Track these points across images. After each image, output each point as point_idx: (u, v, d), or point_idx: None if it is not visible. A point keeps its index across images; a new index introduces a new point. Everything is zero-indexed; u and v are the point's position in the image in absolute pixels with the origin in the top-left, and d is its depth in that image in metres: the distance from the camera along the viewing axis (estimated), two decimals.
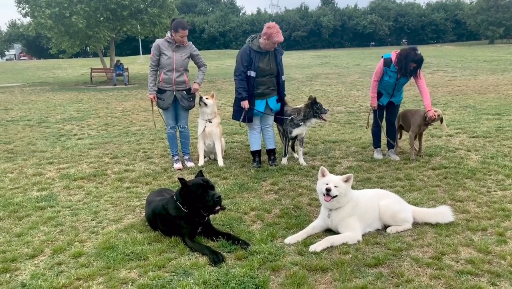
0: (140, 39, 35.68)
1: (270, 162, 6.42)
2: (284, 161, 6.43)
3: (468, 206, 4.49)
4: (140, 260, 3.55)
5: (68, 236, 4.09)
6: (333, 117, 10.72)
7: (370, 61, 32.65)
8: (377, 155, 6.70)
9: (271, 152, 6.47)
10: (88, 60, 49.50)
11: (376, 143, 6.82)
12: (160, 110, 6.48)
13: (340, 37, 61.93)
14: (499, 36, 52.27)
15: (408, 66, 6.02)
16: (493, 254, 3.43)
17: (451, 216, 4.03)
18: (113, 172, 6.31)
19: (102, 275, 3.35)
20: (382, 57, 6.35)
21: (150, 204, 4.20)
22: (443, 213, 4.03)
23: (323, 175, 3.93)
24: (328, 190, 3.77)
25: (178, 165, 6.40)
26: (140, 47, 43.44)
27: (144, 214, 4.51)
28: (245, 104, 6.04)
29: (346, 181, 3.84)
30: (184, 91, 6.36)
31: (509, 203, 4.50)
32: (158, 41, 6.27)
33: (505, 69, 23.56)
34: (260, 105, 6.18)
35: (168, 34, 6.27)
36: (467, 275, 3.12)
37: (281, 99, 6.37)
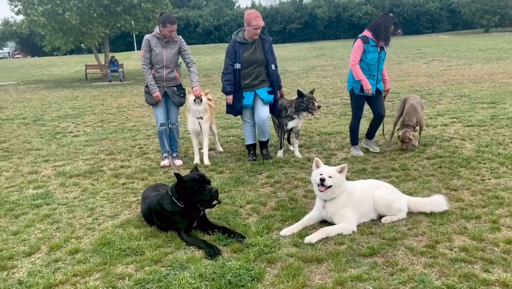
0: (134, 34, 35.52)
1: (263, 156, 6.35)
2: (280, 153, 6.44)
3: (462, 194, 4.52)
4: (137, 255, 3.57)
5: (65, 233, 4.10)
6: (329, 109, 10.73)
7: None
8: (356, 152, 6.38)
9: (262, 144, 6.41)
10: (82, 57, 49.24)
11: (354, 139, 6.47)
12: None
13: (335, 28, 61.57)
14: (494, 24, 52.14)
15: (389, 30, 5.96)
16: (486, 241, 3.46)
17: (445, 204, 4.05)
18: (109, 168, 6.31)
19: (98, 271, 3.37)
20: (357, 37, 6.10)
21: (146, 199, 4.22)
22: (437, 202, 4.06)
23: (317, 166, 3.95)
24: (322, 180, 3.79)
25: (165, 162, 6.33)
26: (135, 43, 43.21)
27: (140, 209, 4.52)
28: (229, 99, 6.10)
29: (341, 171, 3.86)
30: (175, 87, 6.31)
31: (502, 191, 4.53)
32: (147, 36, 6.14)
33: (500, 57, 23.55)
34: (248, 97, 6.11)
35: (157, 29, 6.12)
36: (461, 262, 3.15)
37: (274, 90, 6.26)
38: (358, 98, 6.28)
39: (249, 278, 3.10)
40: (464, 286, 2.84)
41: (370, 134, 6.58)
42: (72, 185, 5.59)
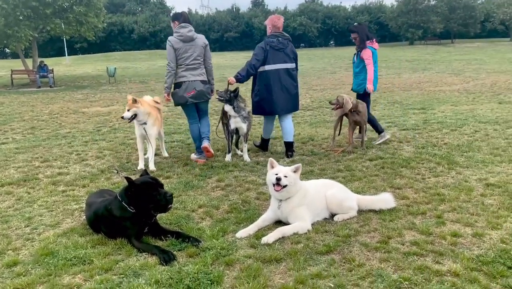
0: (65, 39, 33.91)
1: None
2: (228, 157, 6.37)
3: (406, 192, 4.72)
4: (84, 264, 3.34)
5: (0, 244, 3.75)
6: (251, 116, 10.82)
7: (301, 62, 33.18)
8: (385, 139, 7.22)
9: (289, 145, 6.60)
10: (7, 61, 46.19)
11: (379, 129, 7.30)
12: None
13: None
14: (418, 37, 55.86)
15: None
16: (434, 235, 3.61)
17: (393, 202, 4.20)
18: (45, 176, 5.91)
19: (42, 283, 3.11)
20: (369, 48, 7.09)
21: (91, 205, 3.97)
22: (385, 200, 4.19)
23: (272, 166, 3.94)
24: (278, 180, 3.78)
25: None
26: (66, 48, 41.28)
27: (84, 217, 4.26)
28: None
29: (295, 171, 3.88)
30: None
31: (442, 188, 4.79)
32: None
33: (425, 68, 25.22)
34: None
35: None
36: (413, 256, 3.26)
37: None
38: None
39: (208, 281, 3.00)
40: (419, 278, 2.94)
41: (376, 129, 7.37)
42: (4, 194, 5.16)
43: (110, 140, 8.31)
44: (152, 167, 6.04)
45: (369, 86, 6.99)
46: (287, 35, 6.56)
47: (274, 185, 3.83)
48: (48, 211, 4.57)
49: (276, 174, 3.83)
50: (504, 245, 3.36)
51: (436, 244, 3.45)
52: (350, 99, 6.69)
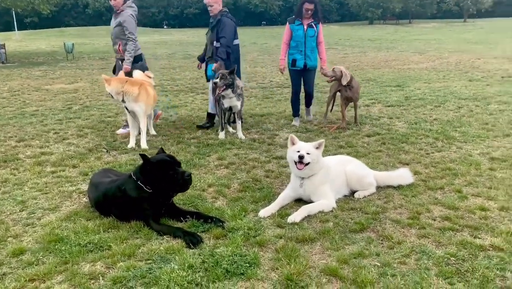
0: (14, 12, 31.76)
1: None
2: (222, 135, 6.12)
3: (416, 167, 4.67)
4: (102, 250, 3.05)
5: None
6: (249, 92, 10.58)
7: (264, 40, 33.16)
8: (295, 122, 6.97)
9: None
10: None
11: (293, 112, 7.05)
12: None
13: (232, 15, 61.86)
14: (377, 17, 56.68)
15: (303, 9, 6.54)
16: (462, 210, 3.57)
17: (411, 177, 4.13)
18: (27, 156, 5.44)
19: (60, 272, 2.80)
20: (287, 20, 6.92)
21: (98, 186, 3.64)
22: (403, 175, 4.12)
23: (293, 143, 3.75)
24: (301, 157, 3.60)
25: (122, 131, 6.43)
26: (15, 22, 38.75)
27: (86, 199, 3.93)
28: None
29: (318, 147, 3.70)
30: (121, 62, 6.34)
31: (450, 163, 4.78)
32: None
33: (388, 47, 25.59)
34: (209, 69, 6.58)
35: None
36: (450, 231, 3.20)
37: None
38: (291, 73, 6.92)
39: (246, 264, 2.81)
40: (465, 253, 2.88)
41: (306, 105, 7.24)
42: None
43: (86, 119, 7.81)
44: (144, 145, 5.69)
45: (326, 66, 6.87)
46: None
47: (296, 163, 3.64)
48: (42, 193, 4.18)
49: (298, 151, 3.64)
50: None
51: (467, 218, 3.41)
52: (348, 71, 6.56)
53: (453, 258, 2.82)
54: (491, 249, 2.93)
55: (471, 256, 2.85)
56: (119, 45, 6.27)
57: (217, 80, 5.77)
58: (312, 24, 6.67)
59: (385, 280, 2.62)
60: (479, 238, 3.08)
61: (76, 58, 22.21)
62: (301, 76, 6.88)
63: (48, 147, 5.88)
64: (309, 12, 6.56)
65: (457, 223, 3.31)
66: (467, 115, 7.19)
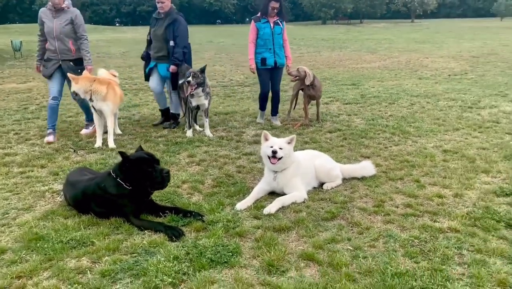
0: None
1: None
2: (189, 133, 6.22)
3: (377, 160, 4.99)
4: (86, 246, 3.11)
5: None
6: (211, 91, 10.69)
7: (221, 38, 33.19)
8: (260, 120, 7.08)
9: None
10: None
11: (260, 107, 7.14)
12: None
13: (186, 14, 60.87)
14: (330, 17, 58.10)
15: (269, 7, 6.59)
16: (421, 197, 3.90)
17: (373, 169, 4.44)
18: None
19: (45, 269, 2.85)
20: (251, 19, 6.92)
21: (75, 184, 3.68)
22: (366, 168, 4.42)
23: (266, 139, 3.95)
24: (274, 152, 3.80)
25: (49, 138, 5.99)
26: None
27: (60, 198, 3.94)
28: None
29: (290, 142, 3.92)
30: (71, 62, 6.11)
31: (407, 155, 5.14)
32: (40, 10, 6.26)
33: (341, 46, 26.35)
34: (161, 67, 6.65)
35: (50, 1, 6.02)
36: (411, 216, 3.51)
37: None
38: (261, 72, 6.87)
39: (229, 253, 2.97)
40: (427, 236, 3.18)
41: (273, 111, 7.07)
42: None
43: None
44: (111, 144, 5.70)
45: (291, 65, 7.07)
46: None
47: (270, 157, 3.84)
48: (13, 194, 4.15)
49: (271, 147, 3.84)
50: (484, 203, 3.74)
51: (426, 205, 3.74)
52: (311, 72, 6.83)
53: (417, 240, 3.11)
54: (449, 231, 3.26)
55: (432, 237, 3.16)
56: (71, 44, 6.01)
57: (190, 79, 5.85)
58: (278, 21, 6.73)
59: (357, 262, 2.87)
60: (438, 222, 3.40)
61: (25, 57, 21.31)
62: (270, 75, 6.87)
63: (11, 148, 5.76)
64: (275, 10, 6.62)
65: (417, 209, 3.63)
66: (419, 112, 7.66)
